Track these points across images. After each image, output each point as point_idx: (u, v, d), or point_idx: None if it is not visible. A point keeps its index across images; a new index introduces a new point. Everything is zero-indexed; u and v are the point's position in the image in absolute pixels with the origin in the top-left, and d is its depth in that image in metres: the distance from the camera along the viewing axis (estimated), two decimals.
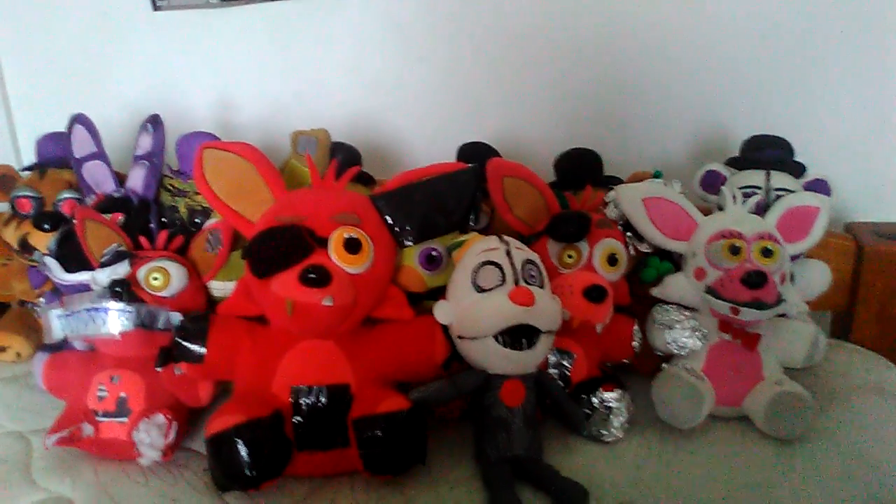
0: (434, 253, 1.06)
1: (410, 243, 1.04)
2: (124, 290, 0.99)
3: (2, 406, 1.13)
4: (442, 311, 1.00)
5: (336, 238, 0.96)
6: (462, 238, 1.05)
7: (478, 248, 1.01)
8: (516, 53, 1.50)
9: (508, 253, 0.99)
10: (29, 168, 1.29)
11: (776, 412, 1.04)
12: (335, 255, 0.95)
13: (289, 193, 1.04)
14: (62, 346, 1.08)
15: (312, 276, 0.91)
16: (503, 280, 0.96)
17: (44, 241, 1.17)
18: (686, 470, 1.00)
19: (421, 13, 1.51)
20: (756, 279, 1.02)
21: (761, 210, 1.15)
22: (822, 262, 1.24)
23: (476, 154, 1.25)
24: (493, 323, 0.94)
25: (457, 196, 1.07)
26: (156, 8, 1.58)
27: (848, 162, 1.42)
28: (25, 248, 1.21)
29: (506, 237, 1.02)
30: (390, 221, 1.04)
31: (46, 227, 1.17)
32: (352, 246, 0.96)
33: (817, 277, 1.23)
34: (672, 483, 0.97)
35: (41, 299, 1.23)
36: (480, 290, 0.97)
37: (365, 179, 1.25)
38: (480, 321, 0.96)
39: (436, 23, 1.51)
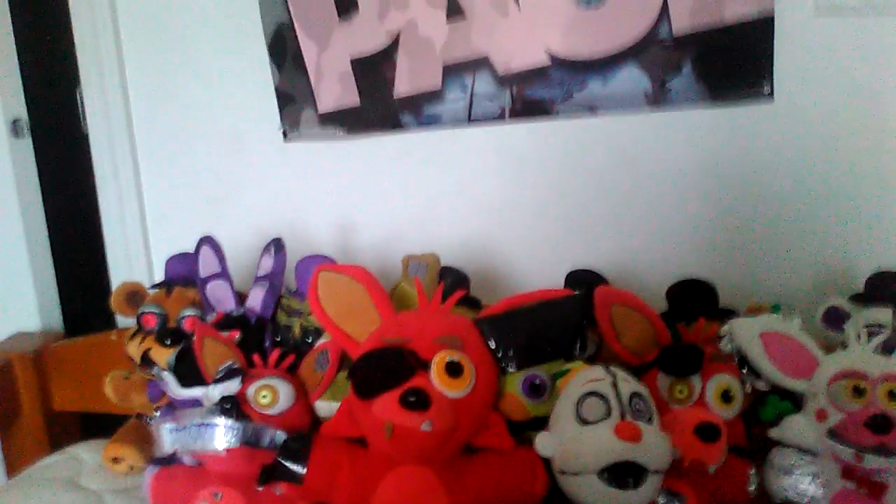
0: (537, 381, 1.04)
1: (513, 369, 1.03)
2: (233, 407, 1.02)
3: None
4: (543, 444, 0.97)
5: (438, 361, 0.96)
6: (567, 366, 1.03)
7: (582, 377, 0.98)
8: (628, 179, 1.51)
9: (615, 384, 0.95)
10: (157, 286, 1.37)
11: None
12: (437, 379, 0.95)
13: (395, 315, 1.05)
14: (172, 461, 1.11)
15: (412, 399, 0.91)
16: (608, 413, 0.93)
17: (164, 356, 1.22)
18: None
19: (534, 139, 1.54)
20: (882, 423, 0.95)
21: (888, 350, 1.07)
22: None
23: (584, 281, 1.24)
24: (597, 459, 0.90)
25: (562, 323, 1.06)
26: (286, 139, 1.68)
27: None
28: (146, 362, 1.27)
29: (612, 367, 0.99)
30: (493, 346, 1.03)
31: (167, 342, 1.23)
32: (453, 369, 0.96)
33: None
34: None
35: (157, 413, 1.27)
36: (584, 422, 0.94)
37: (473, 303, 1.26)
38: (583, 456, 0.92)
39: (549, 148, 1.55)
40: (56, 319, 1.80)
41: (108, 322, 1.69)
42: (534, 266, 1.58)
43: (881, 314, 1.16)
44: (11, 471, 1.54)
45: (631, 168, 1.51)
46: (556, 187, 1.57)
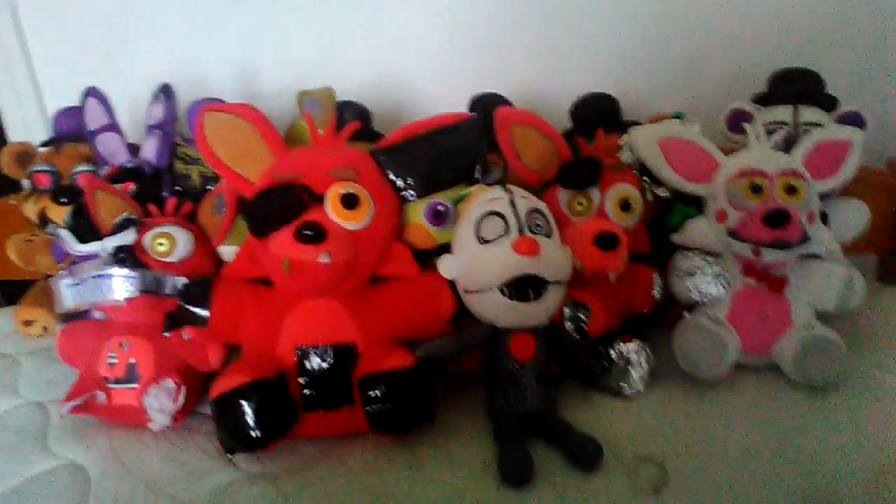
0: (440, 207, 1.02)
1: (414, 198, 1.01)
2: (128, 256, 0.99)
3: (25, 378, 1.15)
4: (445, 265, 0.98)
5: (332, 194, 0.93)
6: (468, 190, 1.01)
7: (481, 198, 0.97)
8: (535, 4, 1.45)
9: (512, 202, 0.95)
10: (46, 143, 1.30)
11: (805, 358, 0.98)
12: (332, 212, 0.93)
13: (287, 152, 1.02)
14: (81, 316, 1.10)
15: (307, 232, 0.89)
16: (507, 230, 0.93)
17: (61, 214, 1.18)
18: (709, 422, 0.96)
19: None
20: (778, 217, 0.96)
21: (789, 147, 1.08)
22: (859, 201, 1.17)
23: (489, 105, 1.21)
24: (497, 274, 0.91)
25: (461, 147, 1.03)
26: None
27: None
28: (44, 222, 1.23)
29: (510, 186, 0.99)
30: (391, 176, 1.01)
31: (63, 200, 1.18)
32: (349, 201, 0.94)
33: (854, 217, 1.16)
34: (694, 435, 0.93)
35: (63, 272, 1.24)
36: (484, 241, 0.94)
37: (374, 137, 1.22)
38: (484, 273, 0.93)
39: None
40: None
41: (12, 187, 1.62)
42: (442, 97, 1.51)
43: (783, 112, 1.17)
44: None
45: None
46: (462, 15, 1.51)
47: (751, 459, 0.88)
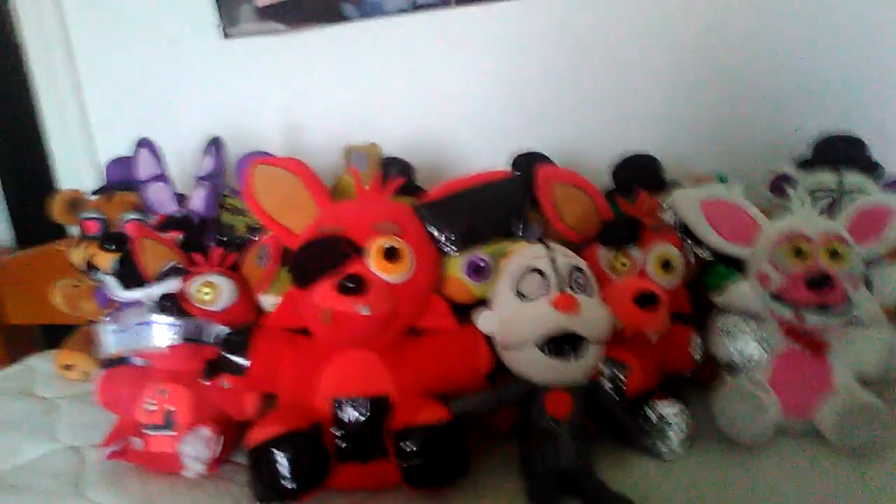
0: (480, 262, 1.02)
1: (454, 252, 1.02)
2: (172, 304, 1.01)
3: (63, 423, 1.17)
4: (484, 320, 0.97)
5: (375, 246, 0.95)
6: (508, 246, 1.02)
7: (521, 255, 0.98)
8: (575, 60, 1.48)
9: (553, 260, 0.95)
10: (97, 191, 1.34)
11: (847, 424, 0.96)
12: (374, 264, 0.94)
13: (333, 205, 1.04)
14: (121, 362, 1.11)
15: (349, 284, 0.90)
16: (547, 288, 0.93)
17: (108, 261, 1.20)
18: (749, 486, 0.93)
19: (479, 27, 1.50)
20: (821, 281, 0.95)
21: (832, 211, 1.07)
22: None
23: (530, 163, 1.23)
24: (535, 330, 0.91)
25: (502, 204, 1.05)
26: (226, 36, 1.63)
27: None
28: (91, 268, 1.26)
29: (552, 244, 0.98)
30: (433, 230, 1.02)
31: (110, 246, 1.21)
32: (390, 254, 0.95)
33: None
34: (732, 499, 0.91)
35: (107, 318, 1.26)
36: (523, 297, 0.94)
37: (416, 192, 1.24)
38: (522, 329, 0.92)
39: (495, 33, 1.51)
40: (6, 234, 1.77)
41: (61, 233, 1.66)
42: (483, 154, 1.55)
43: (827, 177, 1.16)
44: None
45: (577, 48, 1.48)
46: (503, 73, 1.53)
47: None
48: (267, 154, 1.24)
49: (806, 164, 1.21)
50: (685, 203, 1.08)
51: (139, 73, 1.71)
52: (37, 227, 1.77)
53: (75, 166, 1.76)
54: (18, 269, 1.56)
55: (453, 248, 1.02)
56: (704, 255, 1.10)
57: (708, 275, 1.11)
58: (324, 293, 0.92)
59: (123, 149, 1.40)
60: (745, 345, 1.03)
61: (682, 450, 0.99)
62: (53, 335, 1.58)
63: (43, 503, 0.96)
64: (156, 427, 1.00)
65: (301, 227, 1.03)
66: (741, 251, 1.06)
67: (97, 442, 1.02)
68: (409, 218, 1.02)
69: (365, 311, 0.91)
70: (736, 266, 1.09)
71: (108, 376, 1.07)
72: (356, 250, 0.95)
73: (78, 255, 1.28)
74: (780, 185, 1.20)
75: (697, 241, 1.09)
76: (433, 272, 1.02)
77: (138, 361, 1.11)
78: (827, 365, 1.02)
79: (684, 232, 1.10)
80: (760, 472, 0.96)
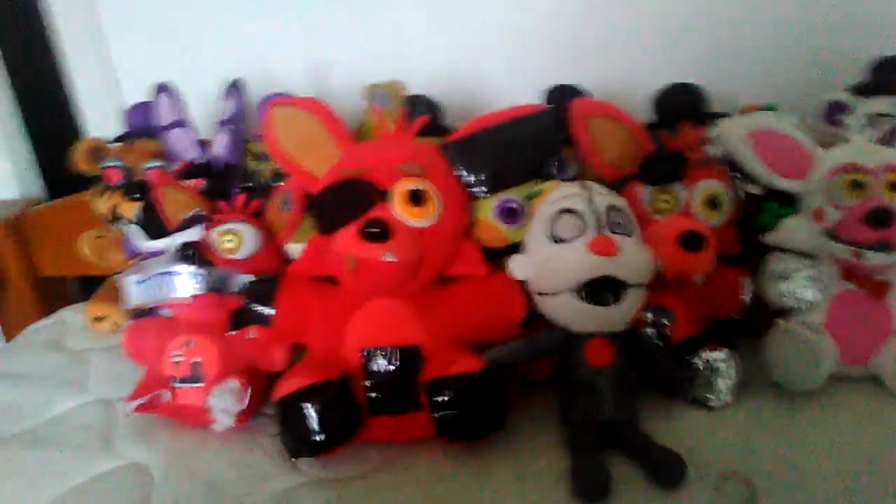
0: (512, 205, 0.97)
1: (483, 194, 0.97)
2: (193, 253, 0.97)
3: (94, 375, 1.15)
4: (517, 266, 0.92)
5: (399, 190, 0.90)
6: (541, 186, 0.97)
7: (556, 195, 0.92)
8: None
9: (590, 200, 0.89)
10: (118, 139, 1.31)
11: None
12: (398, 208, 0.90)
13: (353, 147, 0.99)
14: (150, 313, 1.09)
15: (372, 230, 0.86)
16: (583, 229, 0.87)
17: (132, 210, 1.17)
18: (803, 438, 0.89)
19: None
20: (881, 216, 0.89)
21: (893, 141, 1.00)
22: None
23: (565, 97, 1.16)
24: (572, 275, 0.86)
25: (535, 140, 0.99)
26: None
27: None
28: (116, 218, 1.23)
29: (588, 182, 0.93)
30: (461, 171, 0.97)
31: (134, 196, 1.17)
32: (416, 198, 0.90)
33: None
34: (786, 453, 0.86)
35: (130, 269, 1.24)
36: (558, 240, 0.89)
37: (444, 131, 1.18)
38: (558, 274, 0.88)
39: None
40: (38, 187, 1.75)
41: (89, 184, 1.64)
42: (515, 91, 1.47)
43: (885, 103, 1.08)
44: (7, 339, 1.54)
45: None
46: (536, 3, 1.46)
47: (848, 479, 0.81)
48: (286, 95, 1.19)
49: (863, 90, 1.13)
50: (732, 134, 1.01)
51: (160, 16, 1.66)
52: (70, 180, 1.76)
53: (103, 116, 1.73)
54: (48, 220, 1.54)
55: (483, 189, 0.97)
56: (754, 190, 1.03)
57: (758, 212, 1.04)
58: (346, 240, 0.88)
59: (149, 94, 1.36)
60: (798, 287, 0.98)
61: (731, 398, 0.94)
62: (91, 288, 1.58)
63: (73, 456, 0.95)
64: (183, 380, 0.98)
65: (322, 169, 0.99)
66: (794, 186, 0.99)
67: (128, 395, 1.00)
68: (435, 159, 0.97)
69: (390, 258, 0.87)
70: (788, 202, 1.03)
71: (134, 328, 1.06)
72: (379, 194, 0.90)
73: (102, 205, 1.26)
74: (835, 113, 1.12)
75: (746, 176, 1.02)
76: (462, 216, 0.97)
77: (167, 312, 1.08)
78: (887, 307, 0.96)
79: (731, 166, 1.03)
80: (815, 422, 0.91)
